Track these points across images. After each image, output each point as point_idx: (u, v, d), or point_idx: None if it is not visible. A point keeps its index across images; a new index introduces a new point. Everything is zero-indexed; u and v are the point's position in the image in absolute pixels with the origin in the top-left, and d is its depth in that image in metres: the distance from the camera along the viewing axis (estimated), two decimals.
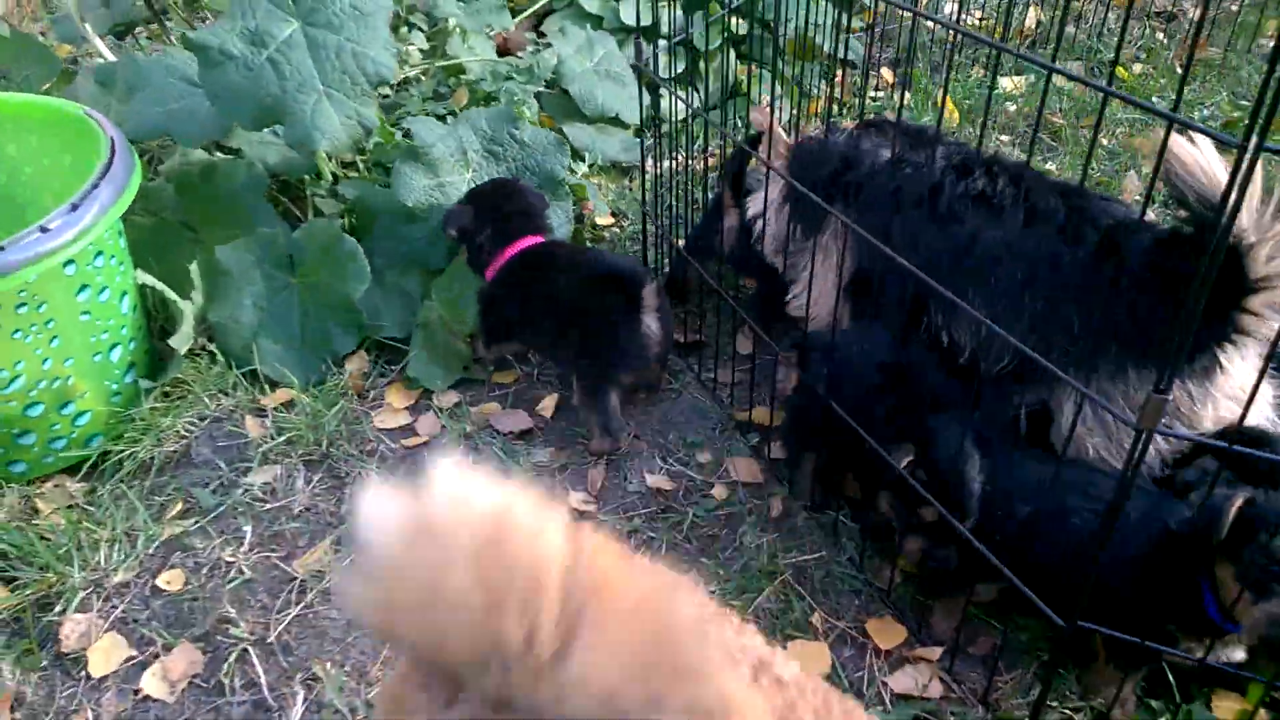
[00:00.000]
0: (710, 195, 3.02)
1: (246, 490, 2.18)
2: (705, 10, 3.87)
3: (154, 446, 2.29)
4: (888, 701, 1.74)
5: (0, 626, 1.93)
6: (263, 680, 1.77)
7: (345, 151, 2.39)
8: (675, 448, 2.31)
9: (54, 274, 2.05)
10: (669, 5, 3.56)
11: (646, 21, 3.74)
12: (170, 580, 1.98)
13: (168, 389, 2.41)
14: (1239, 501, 1.45)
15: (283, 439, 2.28)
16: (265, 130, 2.80)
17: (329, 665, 1.79)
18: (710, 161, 3.40)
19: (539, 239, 2.43)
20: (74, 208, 2.02)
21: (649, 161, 2.66)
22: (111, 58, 3.00)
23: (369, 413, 2.39)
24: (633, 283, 2.23)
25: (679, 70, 3.80)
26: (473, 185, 2.60)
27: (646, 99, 2.63)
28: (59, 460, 2.26)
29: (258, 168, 2.69)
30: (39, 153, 2.46)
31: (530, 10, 3.90)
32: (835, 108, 3.87)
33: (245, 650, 1.82)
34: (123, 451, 2.25)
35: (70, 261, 2.07)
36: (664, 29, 3.33)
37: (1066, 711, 1.70)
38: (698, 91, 3.86)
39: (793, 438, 2.17)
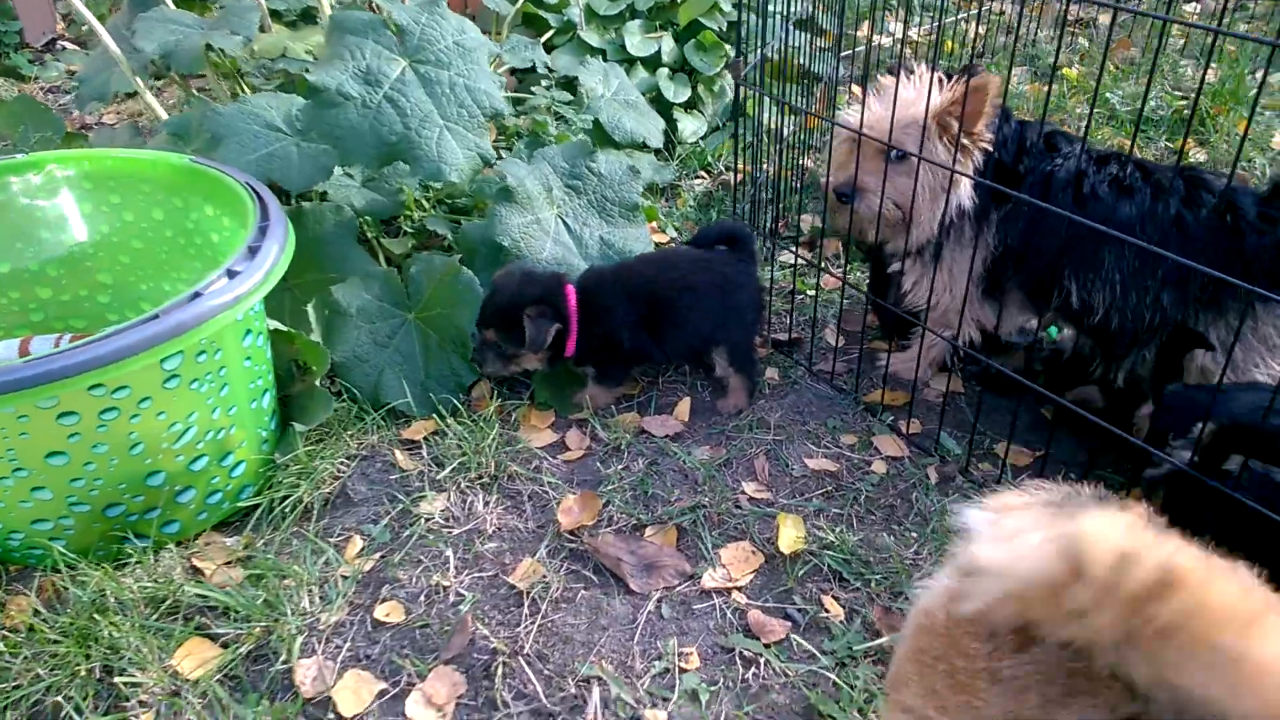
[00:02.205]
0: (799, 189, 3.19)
1: (428, 519, 2.19)
2: (698, 39, 4.08)
3: (313, 490, 2.26)
4: None
5: (221, 684, 1.88)
6: (537, 688, 1.79)
7: (468, 180, 2.44)
8: (819, 433, 2.45)
9: (228, 322, 2.03)
10: (746, 21, 3.73)
11: (645, 53, 3.92)
12: (389, 612, 1.98)
13: (310, 432, 2.39)
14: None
15: (449, 468, 2.29)
16: (338, 172, 2.82)
17: (605, 664, 1.83)
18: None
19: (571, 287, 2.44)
20: (251, 251, 2.01)
21: (741, 162, 2.80)
22: (162, 112, 2.94)
23: (516, 436, 2.43)
24: (744, 236, 2.50)
25: (686, 98, 3.98)
26: (491, 295, 2.43)
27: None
28: (213, 515, 2.21)
29: (346, 211, 2.70)
30: (181, 214, 2.43)
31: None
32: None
33: (504, 664, 1.84)
34: (275, 500, 2.22)
35: None
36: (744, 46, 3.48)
37: None
38: (703, 113, 4.05)
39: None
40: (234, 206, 2.31)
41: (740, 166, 3.74)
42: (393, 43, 2.47)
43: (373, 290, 2.59)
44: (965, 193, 2.29)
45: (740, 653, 1.86)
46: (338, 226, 2.69)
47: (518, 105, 3.66)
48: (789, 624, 1.92)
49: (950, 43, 4.92)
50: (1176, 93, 4.43)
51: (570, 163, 2.83)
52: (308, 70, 2.44)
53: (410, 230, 2.88)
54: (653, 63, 4.09)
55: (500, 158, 2.81)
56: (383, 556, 2.13)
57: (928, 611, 1.19)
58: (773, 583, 2.03)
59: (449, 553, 2.10)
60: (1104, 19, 5.33)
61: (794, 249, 2.87)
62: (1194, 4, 5.61)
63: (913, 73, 2.35)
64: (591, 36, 4.03)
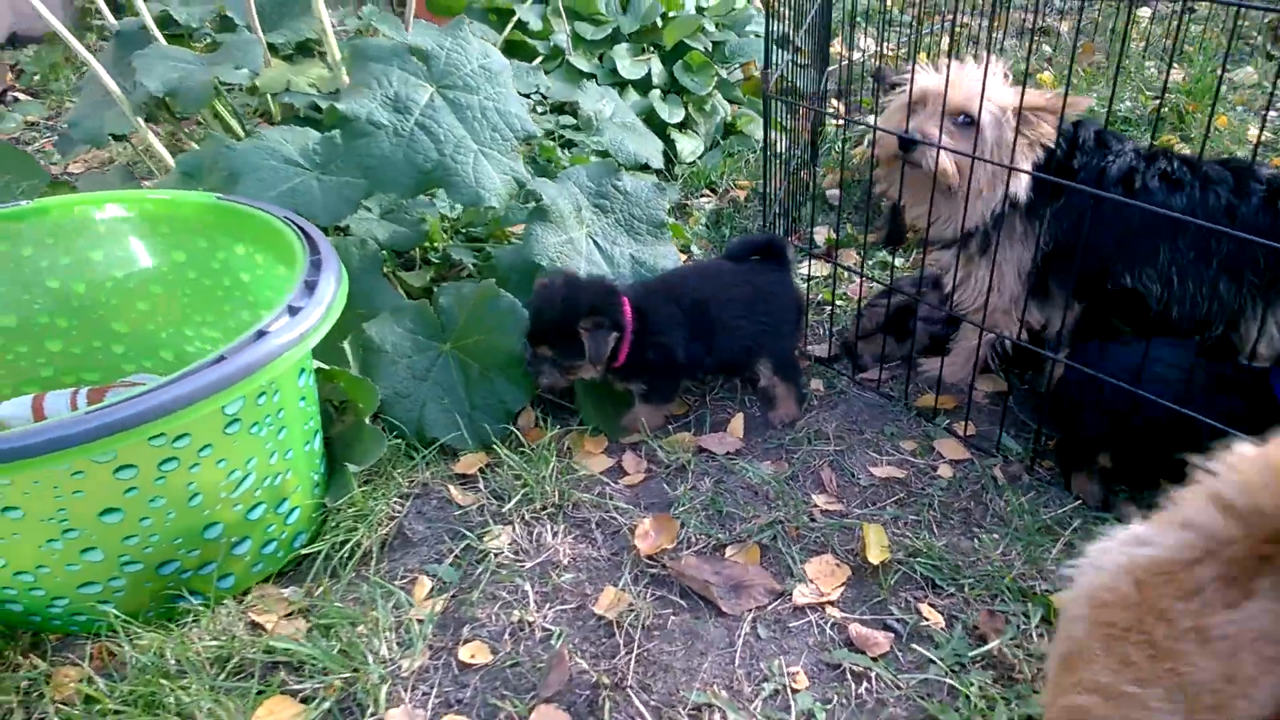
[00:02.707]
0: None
1: (497, 554, 2.11)
2: (685, 60, 4.08)
3: (370, 532, 2.16)
4: None
5: None
6: (647, 717, 1.72)
7: (505, 204, 2.38)
8: (878, 441, 2.43)
9: (293, 359, 1.94)
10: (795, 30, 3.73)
11: (635, 75, 3.92)
12: (474, 653, 1.89)
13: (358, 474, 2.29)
14: None
15: (511, 501, 2.22)
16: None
17: (715, 689, 1.77)
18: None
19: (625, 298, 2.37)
20: (309, 286, 1.93)
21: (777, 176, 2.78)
22: (165, 154, 2.83)
23: (572, 464, 2.36)
24: (778, 246, 2.49)
25: (680, 118, 3.97)
26: (540, 307, 2.32)
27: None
28: (268, 566, 2.10)
29: (371, 245, 2.62)
30: (206, 254, 2.34)
31: None
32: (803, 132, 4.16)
33: (609, 698, 1.77)
34: (334, 545, 2.12)
35: None
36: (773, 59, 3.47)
37: None
38: (697, 132, 4.05)
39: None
40: (269, 243, 2.22)
41: (742, 183, 3.73)
42: (419, 69, 2.41)
43: (404, 324, 2.51)
44: (1024, 184, 2.30)
45: (848, 668, 1.81)
46: (363, 261, 2.61)
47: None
48: (891, 635, 1.88)
49: (924, 54, 5.00)
50: (1149, 93, 4.55)
51: (596, 182, 2.79)
52: (319, 104, 2.36)
53: (434, 260, 2.80)
54: (643, 85, 4.08)
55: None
56: (455, 596, 2.04)
57: (1108, 587, 1.16)
58: (865, 594, 1.99)
59: (526, 586, 2.02)
60: (1066, 26, 5.48)
61: (810, 257, 2.86)
62: (1148, 7, 5.80)
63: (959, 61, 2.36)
64: (580, 62, 4.01)
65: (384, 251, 2.85)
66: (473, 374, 2.48)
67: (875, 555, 2.02)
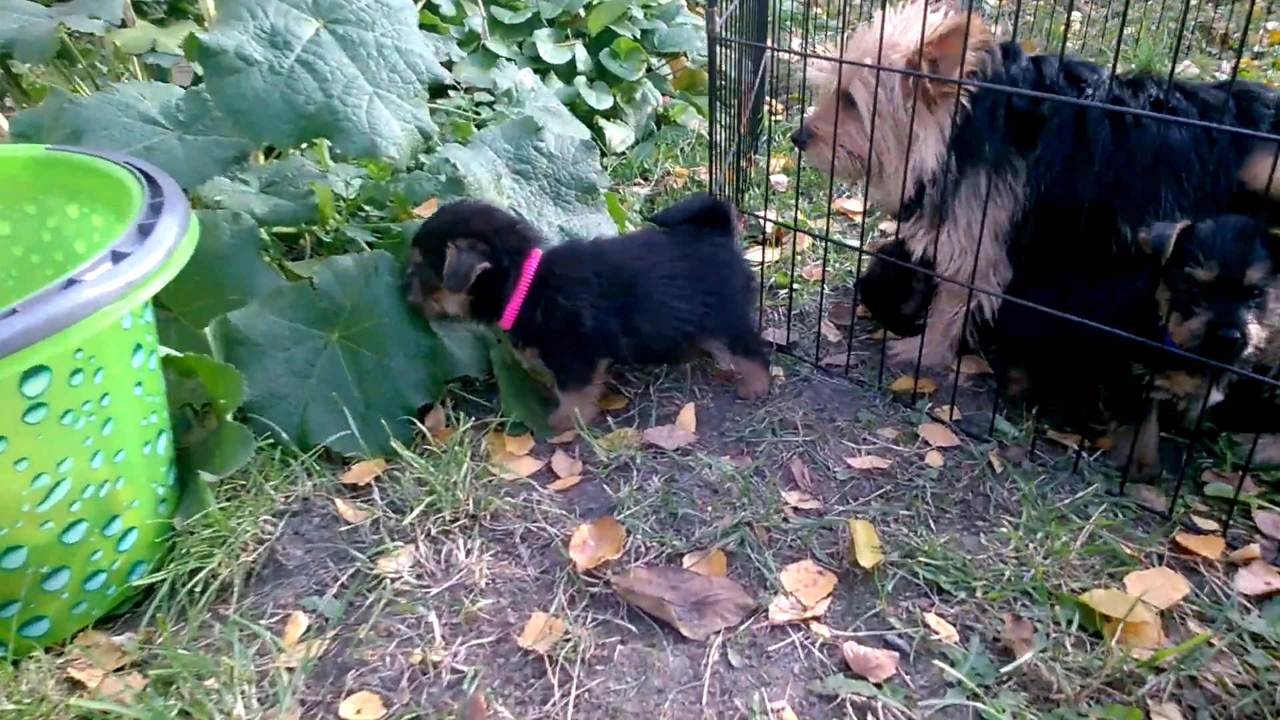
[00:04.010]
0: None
1: (394, 579, 1.67)
2: (612, 47, 3.78)
3: (230, 559, 1.71)
4: (1256, 612, 1.57)
5: None
6: None
7: (408, 158, 1.98)
8: (853, 430, 2.07)
9: (113, 328, 1.50)
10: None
11: (559, 60, 3.59)
12: (361, 707, 1.45)
13: (220, 487, 1.84)
14: (1180, 227, 1.66)
15: (413, 513, 1.78)
16: (229, 173, 2.33)
17: None
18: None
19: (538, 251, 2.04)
20: (143, 231, 1.50)
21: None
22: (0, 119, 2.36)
23: (490, 468, 1.94)
24: (720, 210, 2.17)
25: (608, 105, 3.64)
26: (435, 215, 2.05)
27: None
28: (94, 605, 1.63)
29: (246, 219, 2.19)
30: (35, 223, 1.89)
31: None
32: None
33: None
34: (180, 576, 1.66)
35: (128, 313, 1.52)
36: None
37: None
38: (627, 122, 3.71)
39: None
40: (109, 197, 1.78)
41: (678, 170, 3.40)
42: (303, 1, 2.01)
43: (281, 310, 2.07)
44: (931, 151, 2.02)
45: (847, 699, 1.42)
46: (237, 238, 2.17)
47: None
48: (895, 654, 1.50)
49: None
50: None
51: (515, 144, 2.41)
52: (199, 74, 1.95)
53: (326, 240, 2.37)
54: (568, 72, 3.74)
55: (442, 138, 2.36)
56: (338, 635, 1.59)
57: None
58: (857, 605, 1.60)
59: (431, 617, 1.59)
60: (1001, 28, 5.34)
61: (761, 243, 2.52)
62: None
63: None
64: (498, 47, 3.66)
65: (266, 233, 2.42)
66: (366, 365, 2.05)
67: (866, 558, 1.64)
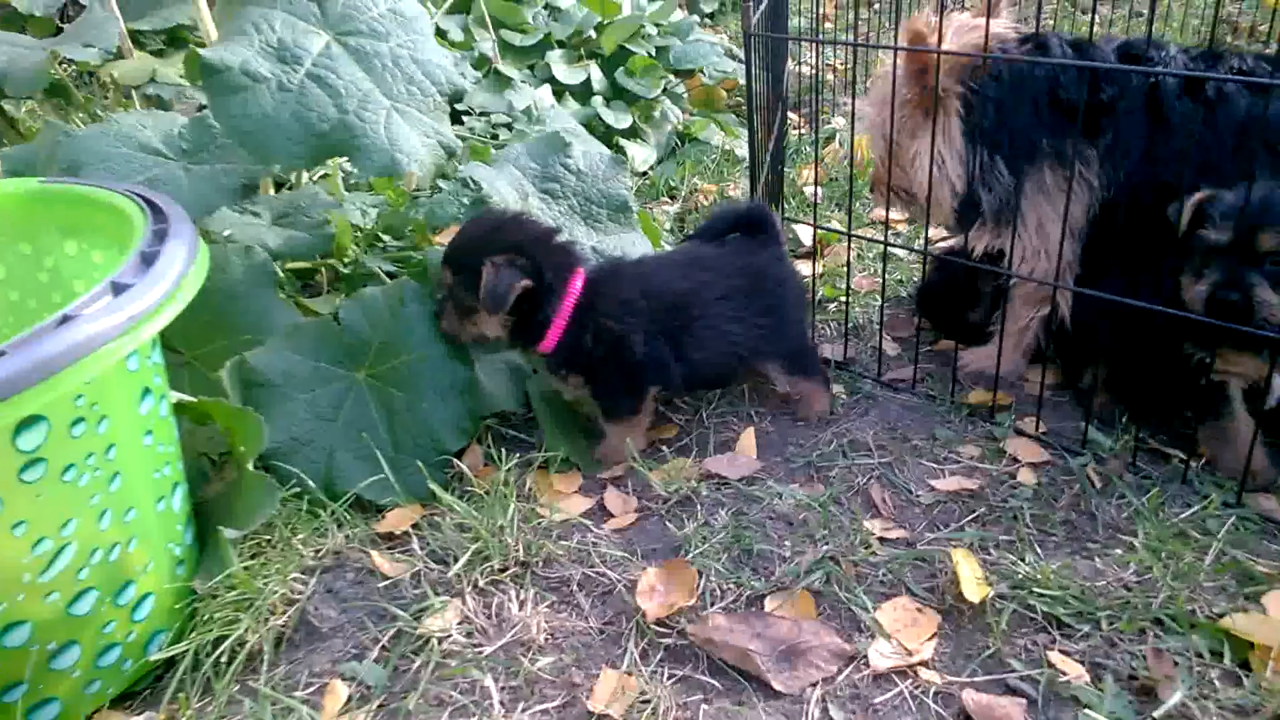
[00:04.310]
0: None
1: (442, 638, 1.49)
2: (626, 66, 3.65)
3: (258, 623, 1.53)
4: None
5: None
6: None
7: (431, 176, 1.83)
8: (930, 448, 1.89)
9: (118, 370, 1.34)
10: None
11: (574, 81, 3.46)
12: None
13: (243, 544, 1.66)
14: (1200, 196, 1.61)
15: (458, 563, 1.60)
16: (239, 205, 2.18)
17: None
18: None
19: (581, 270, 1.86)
20: (145, 260, 1.34)
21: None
22: None
23: (537, 510, 1.76)
24: (764, 218, 2.03)
25: (628, 125, 3.50)
26: (467, 228, 1.87)
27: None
28: (109, 683, 1.46)
29: (258, 253, 2.03)
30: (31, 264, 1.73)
31: None
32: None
33: None
34: (204, 646, 1.48)
35: (134, 353, 1.36)
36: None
37: None
38: (648, 141, 3.57)
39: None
40: (109, 230, 1.62)
41: (706, 187, 3.25)
42: (309, 11, 1.87)
43: (302, 348, 1.90)
44: (952, 170, 1.94)
45: None
46: (249, 274, 2.02)
47: None
48: (1021, 701, 1.31)
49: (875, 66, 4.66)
50: None
51: (541, 162, 2.25)
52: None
53: (345, 272, 2.21)
54: (584, 93, 3.60)
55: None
56: (383, 705, 1.41)
57: None
58: (968, 646, 1.42)
59: (487, 681, 1.40)
60: None
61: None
62: None
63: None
64: (510, 71, 3.52)
65: (279, 266, 2.26)
66: (396, 407, 1.88)
67: (973, 591, 1.45)
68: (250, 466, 1.65)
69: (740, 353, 1.91)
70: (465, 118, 3.22)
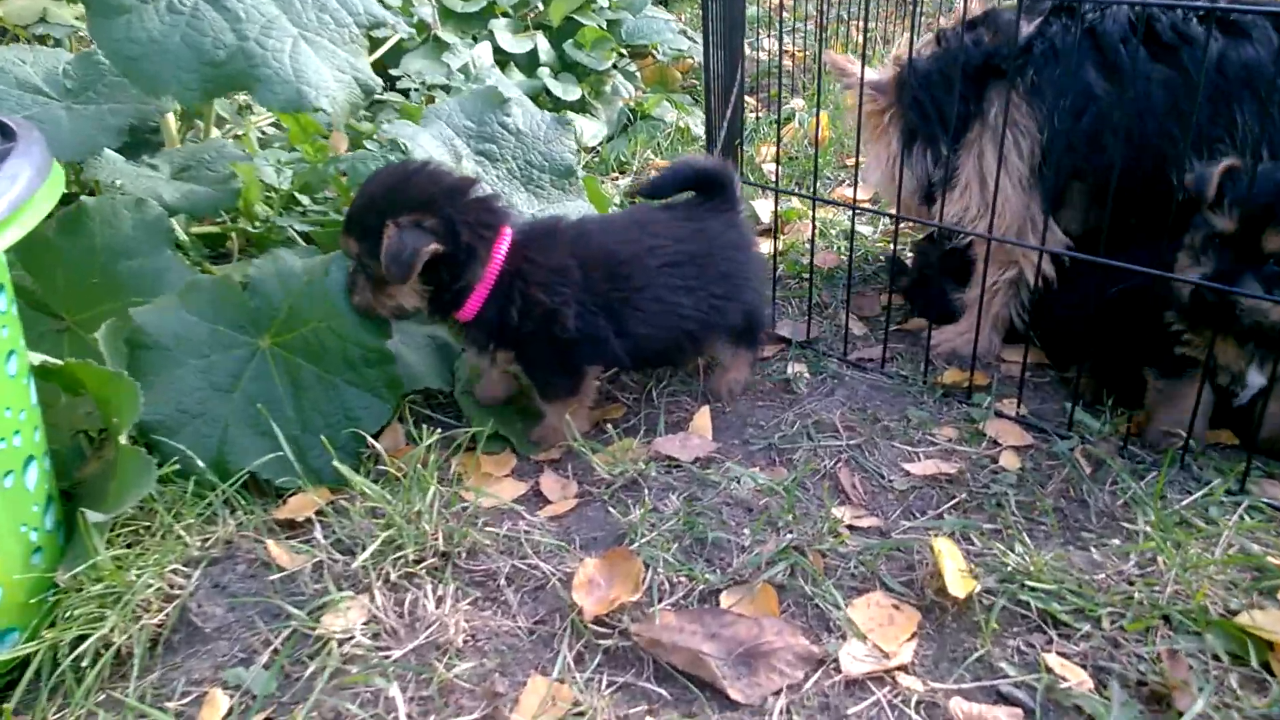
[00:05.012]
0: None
1: (344, 640, 1.27)
2: (576, 38, 3.46)
3: (128, 622, 1.30)
4: None
5: None
6: None
7: (345, 117, 1.60)
8: (904, 430, 1.71)
9: None
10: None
11: (519, 50, 3.26)
12: None
13: (117, 528, 1.43)
14: (1226, 165, 1.45)
15: (365, 553, 1.38)
16: (136, 159, 1.94)
17: None
18: None
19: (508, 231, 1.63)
20: None
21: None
22: None
23: (463, 494, 1.54)
24: (722, 176, 1.80)
25: (576, 98, 3.30)
26: (369, 185, 1.62)
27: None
28: None
29: (153, 206, 1.79)
30: None
31: (382, 49, 3.24)
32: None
33: None
34: (63, 646, 1.25)
35: None
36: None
37: None
38: (596, 117, 3.37)
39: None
40: None
41: (658, 162, 3.07)
42: None
43: (199, 308, 1.67)
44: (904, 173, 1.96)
45: None
46: (140, 229, 1.78)
47: (373, 107, 2.84)
48: (1017, 711, 1.13)
49: (840, 46, 4.52)
50: None
51: (477, 119, 2.04)
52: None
53: (257, 234, 1.98)
54: (530, 64, 3.40)
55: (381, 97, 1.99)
56: (270, 718, 1.18)
57: None
58: (952, 648, 1.23)
59: (393, 691, 1.19)
60: None
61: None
62: None
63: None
64: (451, 37, 3.30)
65: (185, 232, 2.03)
66: (305, 380, 1.65)
67: (958, 585, 1.27)
68: (124, 440, 1.41)
69: (689, 327, 1.70)
70: (400, 83, 2.99)
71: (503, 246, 1.60)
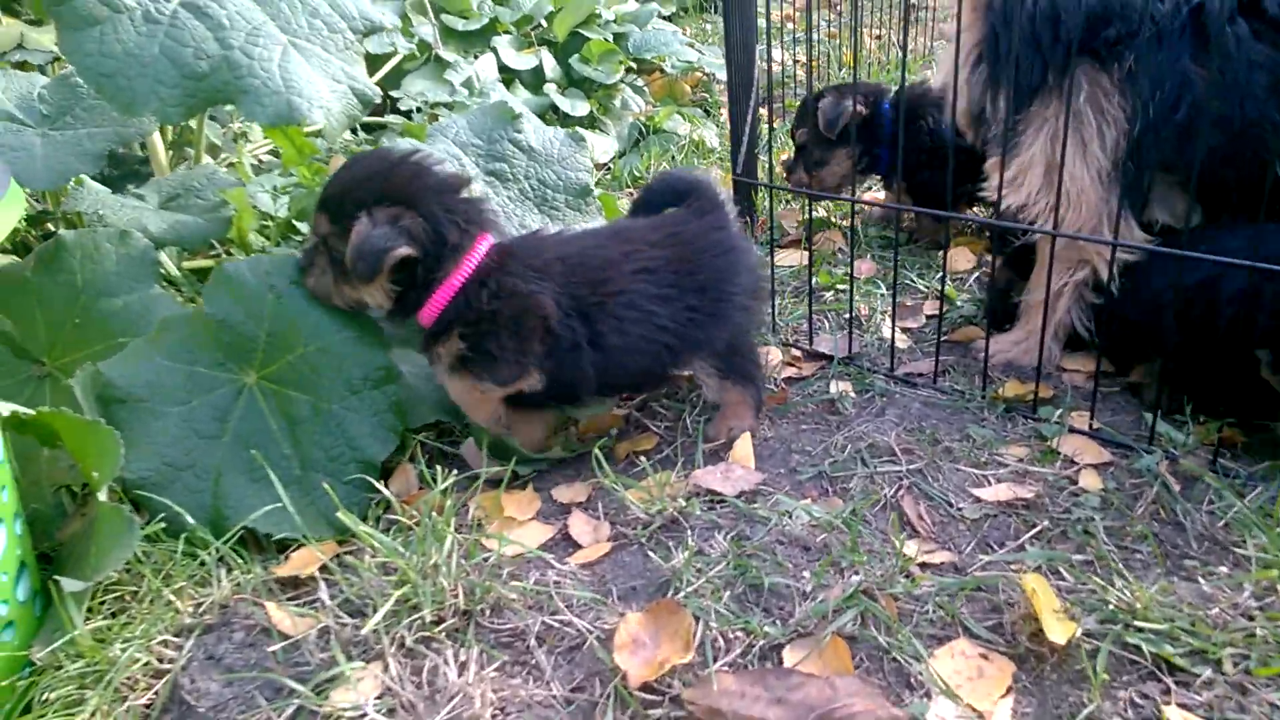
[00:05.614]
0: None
1: (356, 718, 1.11)
2: (582, 53, 3.34)
3: (111, 704, 1.14)
4: None
5: None
6: None
7: (341, 131, 1.46)
8: (969, 450, 1.55)
9: None
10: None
11: (524, 66, 3.13)
12: None
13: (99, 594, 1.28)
14: None
15: (377, 615, 1.22)
16: (124, 190, 1.81)
17: None
18: None
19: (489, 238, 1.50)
20: None
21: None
22: None
23: (480, 541, 1.38)
24: (705, 188, 1.64)
25: (585, 113, 3.17)
26: (349, 168, 1.48)
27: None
28: None
29: (138, 239, 1.66)
30: None
31: (382, 71, 3.12)
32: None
33: None
34: None
35: None
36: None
37: None
38: (607, 133, 3.24)
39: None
40: None
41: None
42: None
43: (171, 349, 1.51)
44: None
45: None
46: (124, 264, 1.65)
47: (373, 132, 2.72)
48: None
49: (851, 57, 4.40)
50: None
51: (486, 137, 1.90)
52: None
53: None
54: (536, 81, 3.27)
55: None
56: None
57: None
58: (1057, 703, 1.07)
59: None
60: None
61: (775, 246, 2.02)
62: None
63: None
64: (452, 55, 3.18)
65: (176, 265, 1.89)
66: (300, 413, 1.51)
67: (1058, 630, 1.10)
68: (103, 496, 1.26)
69: (667, 341, 1.53)
70: (401, 104, 2.87)
71: (479, 251, 1.45)
